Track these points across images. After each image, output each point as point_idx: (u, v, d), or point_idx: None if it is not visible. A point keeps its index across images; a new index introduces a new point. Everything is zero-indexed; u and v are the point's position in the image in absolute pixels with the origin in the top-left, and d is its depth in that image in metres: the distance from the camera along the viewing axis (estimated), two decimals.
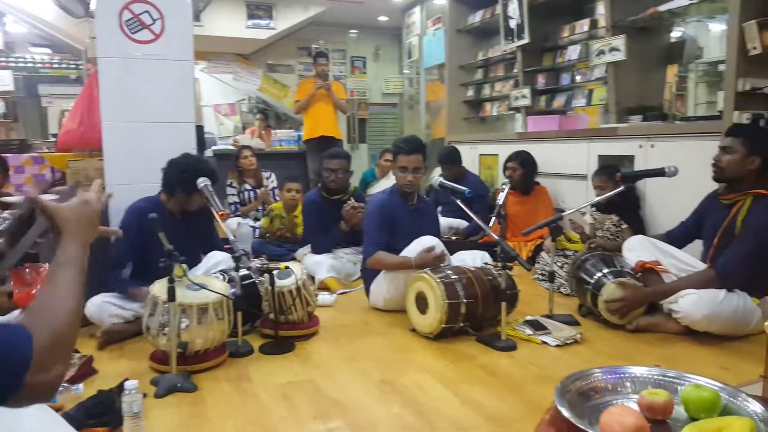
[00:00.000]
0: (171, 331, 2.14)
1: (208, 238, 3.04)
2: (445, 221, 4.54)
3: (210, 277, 2.56)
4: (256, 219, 5.04)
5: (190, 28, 3.46)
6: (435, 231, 3.17)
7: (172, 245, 2.18)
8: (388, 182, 6.04)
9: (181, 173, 2.76)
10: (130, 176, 3.22)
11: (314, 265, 3.63)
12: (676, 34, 4.52)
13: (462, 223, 4.59)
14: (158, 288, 2.26)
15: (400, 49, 8.73)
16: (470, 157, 5.52)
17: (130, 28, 3.32)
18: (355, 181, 5.17)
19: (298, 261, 3.92)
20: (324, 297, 3.20)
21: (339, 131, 6.26)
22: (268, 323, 2.59)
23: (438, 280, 2.54)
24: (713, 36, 4.99)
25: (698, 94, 5.69)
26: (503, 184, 4.06)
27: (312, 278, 3.55)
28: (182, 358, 2.19)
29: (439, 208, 4.88)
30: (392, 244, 2.97)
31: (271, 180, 5.29)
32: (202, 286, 2.28)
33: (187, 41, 3.43)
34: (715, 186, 2.74)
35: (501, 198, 3.71)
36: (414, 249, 2.85)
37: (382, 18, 8.35)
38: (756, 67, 3.09)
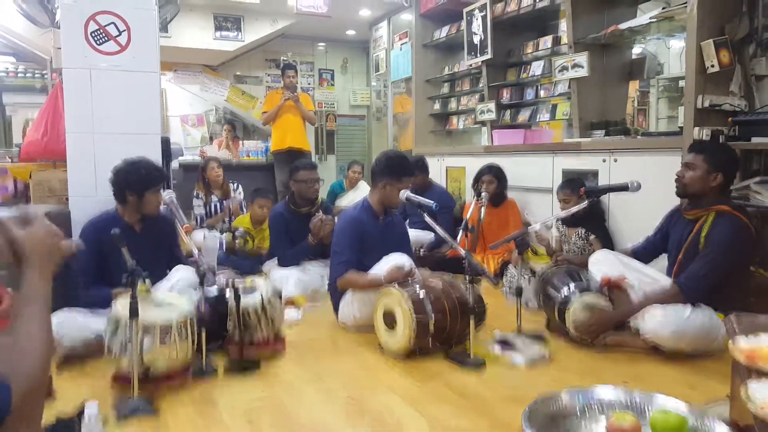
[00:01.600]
0: (133, 351, 2.03)
1: (171, 251, 2.95)
2: (411, 234, 4.49)
3: (173, 294, 2.46)
4: (223, 231, 4.92)
5: (156, 39, 3.38)
6: (405, 245, 3.12)
7: (134, 260, 2.08)
8: (356, 194, 6.02)
9: (126, 176, 2.72)
10: (95, 188, 3.16)
11: (281, 278, 3.54)
12: (637, 50, 4.58)
13: (428, 236, 4.54)
14: (121, 306, 2.15)
15: (367, 62, 8.71)
16: (437, 170, 5.51)
17: (96, 39, 3.23)
18: (322, 193, 5.11)
19: (265, 274, 3.82)
20: (291, 313, 3.11)
21: (307, 143, 6.18)
22: (234, 342, 2.49)
23: (406, 296, 2.48)
24: (674, 53, 5.09)
25: (660, 109, 5.79)
26: (481, 197, 4.05)
27: (279, 293, 3.46)
28: (145, 380, 2.09)
29: (407, 221, 4.85)
30: (362, 260, 2.91)
31: (238, 192, 5.18)
32: (166, 304, 2.18)
33: (153, 53, 3.35)
34: (678, 201, 2.75)
35: (471, 211, 3.69)
36: (384, 267, 2.78)
37: (350, 32, 8.33)
38: (714, 85, 3.13)
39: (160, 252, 2.86)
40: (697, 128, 3.08)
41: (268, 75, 8.50)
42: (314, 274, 3.67)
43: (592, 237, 3.46)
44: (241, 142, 7.30)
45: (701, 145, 2.67)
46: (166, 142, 3.68)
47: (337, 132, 9.05)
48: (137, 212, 2.77)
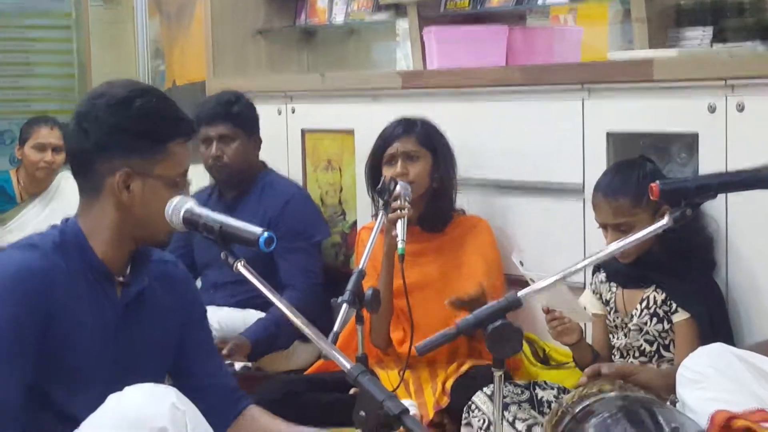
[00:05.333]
0: None
1: None
2: (216, 316, 4.54)
3: None
4: None
5: None
6: (176, 356, 3.19)
7: None
8: (48, 207, 6.03)
9: None
10: None
11: None
12: None
13: (253, 317, 4.63)
14: None
15: None
16: (281, 137, 5.67)
17: None
18: None
19: None
20: None
21: None
22: None
23: None
24: None
25: None
26: (394, 188, 4.10)
27: None
28: None
29: (199, 281, 4.93)
30: (49, 392, 2.95)
31: None
32: None
33: None
34: None
35: (371, 245, 3.79)
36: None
37: None
38: None
39: None
40: None
41: None
42: None
43: (678, 315, 3.63)
44: None
45: None
46: None
47: None
48: None
